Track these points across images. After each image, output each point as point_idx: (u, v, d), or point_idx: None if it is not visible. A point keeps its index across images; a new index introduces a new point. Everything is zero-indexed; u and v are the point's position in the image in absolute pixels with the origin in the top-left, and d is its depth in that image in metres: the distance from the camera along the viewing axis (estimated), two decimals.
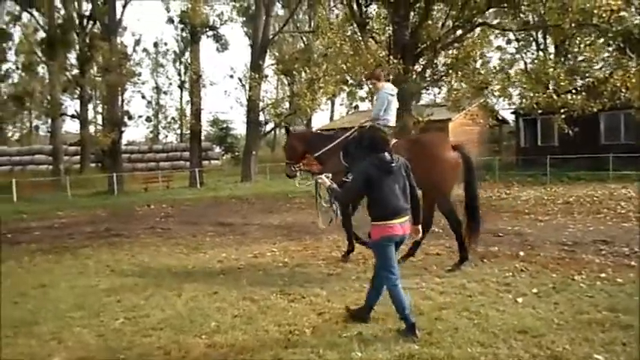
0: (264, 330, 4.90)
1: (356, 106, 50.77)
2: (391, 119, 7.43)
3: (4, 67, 40.03)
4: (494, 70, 17.93)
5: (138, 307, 5.84)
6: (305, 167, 8.49)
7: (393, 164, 4.73)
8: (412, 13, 17.51)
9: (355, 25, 18.28)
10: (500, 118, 28.98)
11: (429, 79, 18.50)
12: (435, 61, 18.36)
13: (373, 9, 19.22)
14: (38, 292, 6.77)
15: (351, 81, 23.58)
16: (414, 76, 17.14)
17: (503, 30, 17.92)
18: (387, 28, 18.82)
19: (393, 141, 7.24)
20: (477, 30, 17.60)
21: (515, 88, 16.86)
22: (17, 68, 40.84)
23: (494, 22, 19.17)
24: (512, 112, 27.66)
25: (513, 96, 17.32)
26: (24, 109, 43.69)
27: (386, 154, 4.75)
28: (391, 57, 16.47)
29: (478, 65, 18.13)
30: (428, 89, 20.64)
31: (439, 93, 21.95)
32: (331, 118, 51.66)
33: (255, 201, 18.66)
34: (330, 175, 5.76)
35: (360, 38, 17.48)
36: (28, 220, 15.99)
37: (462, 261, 7.02)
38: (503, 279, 6.33)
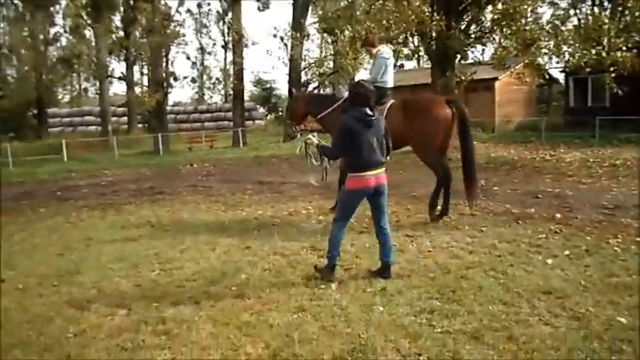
0: (291, 283, 5.05)
1: (401, 65, 49.77)
2: (389, 81, 7.63)
3: (53, 30, 41.14)
4: (542, 26, 17.08)
5: (174, 260, 6.10)
6: (306, 128, 8.53)
7: (373, 118, 4.89)
8: None
9: None
10: (549, 77, 27.84)
11: (473, 35, 17.89)
12: (481, 17, 17.70)
13: None
14: (82, 245, 7.16)
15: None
16: (458, 33, 16.62)
17: None
18: None
19: (390, 101, 7.54)
20: None
21: (564, 46, 16.11)
22: (65, 31, 41.80)
23: None
24: (561, 71, 26.56)
25: (562, 54, 16.54)
26: (73, 72, 44.94)
27: (367, 108, 4.88)
28: (434, 13, 16.00)
29: (527, 21, 17.33)
30: (473, 47, 19.96)
31: (483, 52, 21.19)
32: None
33: (295, 160, 18.78)
34: (316, 134, 6.01)
35: None
36: (76, 178, 16.70)
37: (442, 214, 7.45)
38: (535, 240, 6.27)
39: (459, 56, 18.65)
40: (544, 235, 6.48)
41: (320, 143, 5.75)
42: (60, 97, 51.44)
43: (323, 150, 5.68)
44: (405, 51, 21.57)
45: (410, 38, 19.39)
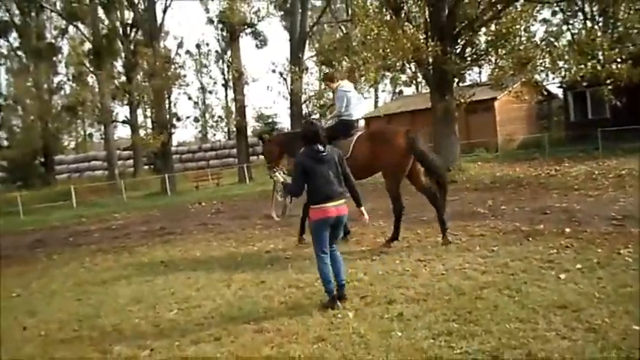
0: (308, 314, 5.11)
1: (400, 92, 50.31)
2: (354, 113, 8.06)
3: (56, 79, 41.90)
4: (536, 44, 17.34)
5: (190, 299, 6.18)
6: (284, 168, 8.54)
7: (324, 154, 5.22)
8: None
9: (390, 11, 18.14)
10: (547, 93, 28.04)
11: (469, 58, 18.19)
12: (475, 40, 18.03)
13: None
14: (99, 289, 7.26)
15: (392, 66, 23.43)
16: (453, 57, 16.91)
17: (541, 2, 17.30)
18: (424, 10, 18.59)
19: (358, 133, 7.97)
20: (518, 5, 17.10)
21: (560, 61, 16.33)
22: (68, 80, 42.61)
23: None
24: (558, 87, 26.80)
25: (558, 69, 16.74)
26: (77, 119, 45.60)
27: (318, 145, 5.20)
28: (429, 40, 16.31)
29: (521, 40, 17.60)
30: (470, 69, 20.25)
31: (480, 73, 21.54)
32: (375, 105, 51.43)
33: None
34: (282, 171, 6.55)
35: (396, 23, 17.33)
36: (87, 223, 16.86)
37: (392, 239, 7.83)
38: (547, 256, 6.31)
39: (456, 79, 18.95)
40: (555, 251, 6.53)
41: (285, 181, 6.09)
42: (66, 143, 52.07)
43: (286, 188, 6.06)
44: (403, 77, 21.90)
45: (407, 65, 19.75)
